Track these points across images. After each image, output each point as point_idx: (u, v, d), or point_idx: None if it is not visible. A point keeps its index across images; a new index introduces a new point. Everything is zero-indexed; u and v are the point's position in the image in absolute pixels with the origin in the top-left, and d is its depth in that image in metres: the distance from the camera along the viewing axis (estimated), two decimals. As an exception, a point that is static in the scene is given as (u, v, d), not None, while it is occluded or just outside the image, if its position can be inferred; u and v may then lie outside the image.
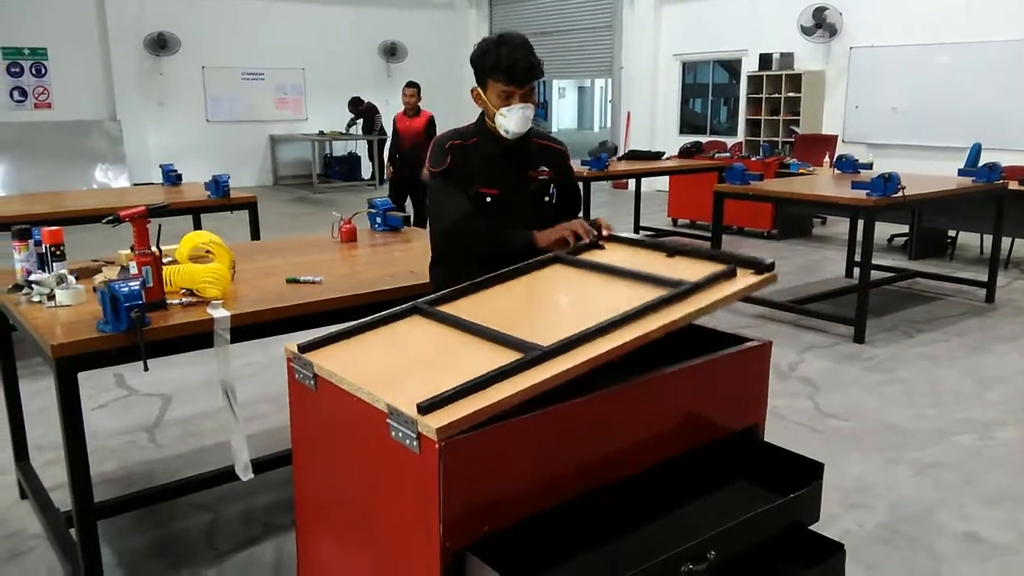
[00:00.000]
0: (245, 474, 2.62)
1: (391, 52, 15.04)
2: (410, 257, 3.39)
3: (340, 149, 14.94)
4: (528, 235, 2.36)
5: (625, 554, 1.68)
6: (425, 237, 3.75)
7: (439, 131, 3.30)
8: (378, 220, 3.83)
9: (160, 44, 12.85)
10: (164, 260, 2.59)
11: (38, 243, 2.80)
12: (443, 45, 15.54)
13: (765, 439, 2.11)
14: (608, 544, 1.73)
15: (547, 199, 2.57)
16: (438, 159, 2.47)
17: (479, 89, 2.46)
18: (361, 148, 14.77)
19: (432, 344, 1.82)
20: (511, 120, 2.41)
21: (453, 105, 16.22)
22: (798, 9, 11.07)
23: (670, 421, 1.87)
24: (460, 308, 1.95)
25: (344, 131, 14.22)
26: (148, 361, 2.26)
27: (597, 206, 7.50)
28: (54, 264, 2.74)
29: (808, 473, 1.93)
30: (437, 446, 1.42)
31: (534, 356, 1.61)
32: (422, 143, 7.35)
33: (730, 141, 11.92)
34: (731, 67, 13.10)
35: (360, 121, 14.07)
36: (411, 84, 8.18)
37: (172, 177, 6.04)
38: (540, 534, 1.62)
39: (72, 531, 2.67)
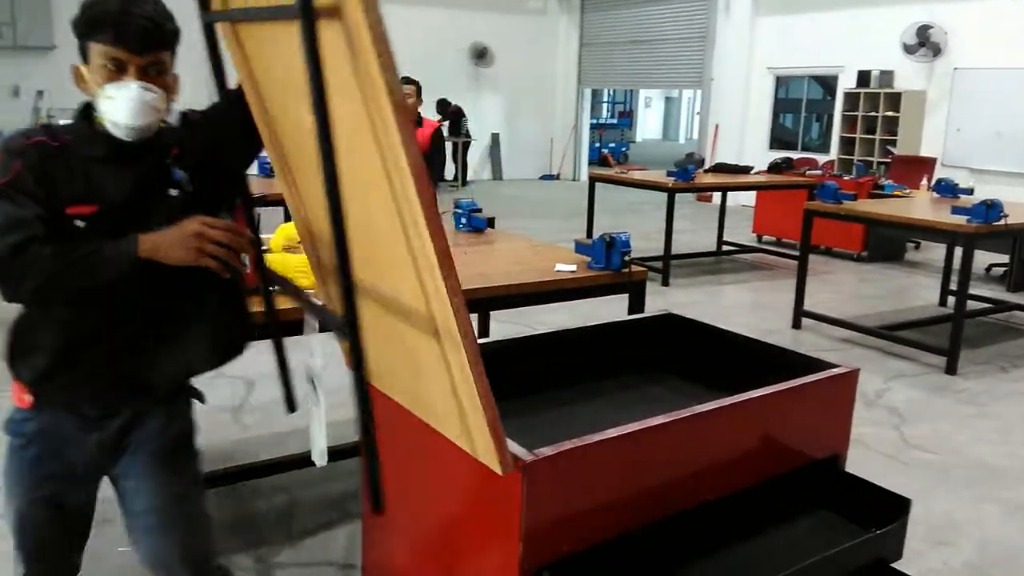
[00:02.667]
0: (321, 460, 2.67)
1: (480, 55, 15.19)
2: (492, 259, 3.43)
3: (425, 149, 15.18)
4: (130, 242, 1.49)
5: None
6: (509, 239, 3.79)
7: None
8: (463, 221, 3.88)
9: (261, 40, 13.31)
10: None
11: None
12: (532, 51, 15.63)
13: (847, 469, 2.05)
14: (684, 571, 1.70)
15: (175, 193, 1.65)
16: (3, 167, 1.52)
17: (81, 66, 1.59)
18: (446, 150, 14.98)
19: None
20: (120, 106, 1.52)
21: (540, 114, 16.44)
22: (901, 26, 10.70)
23: (752, 447, 1.84)
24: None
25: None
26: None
27: (680, 218, 7.39)
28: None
29: (893, 507, 1.86)
30: (521, 464, 1.43)
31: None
32: (427, 160, 6.58)
33: (822, 158, 11.60)
34: (826, 83, 12.76)
35: (447, 123, 14.27)
36: (406, 80, 5.37)
37: (267, 169, 6.25)
38: (617, 558, 1.61)
39: (159, 503, 2.80)
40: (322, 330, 2.57)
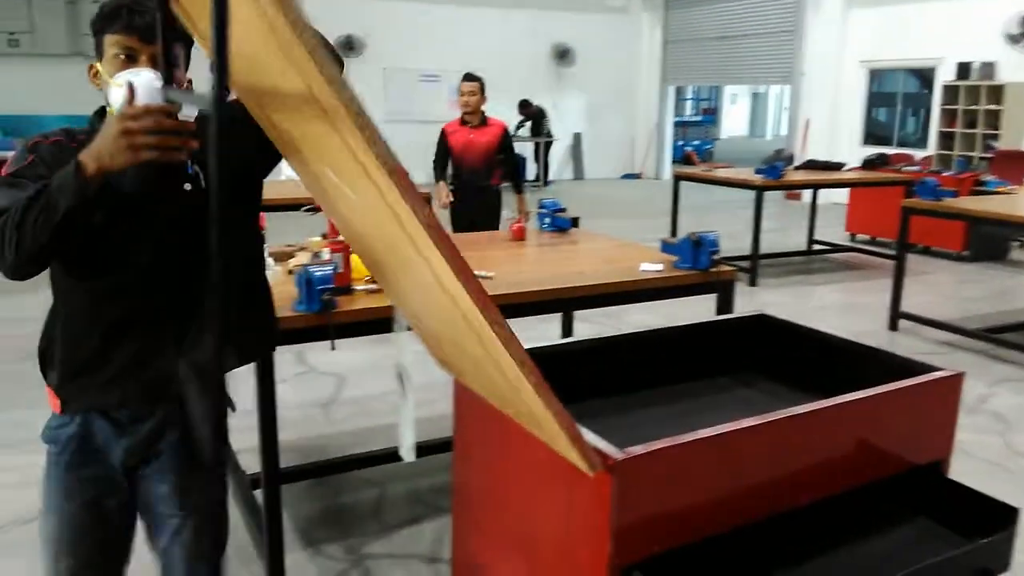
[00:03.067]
0: (409, 455, 2.73)
1: (562, 55, 15.18)
2: (576, 258, 3.44)
3: (507, 150, 15.27)
4: (72, 163, 1.41)
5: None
6: (593, 239, 3.78)
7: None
8: (547, 220, 3.90)
9: (348, 46, 13.65)
10: (351, 248, 2.77)
11: (243, 227, 3.06)
12: (614, 50, 15.53)
13: (949, 476, 1.97)
14: (779, 574, 1.67)
15: (189, 187, 1.64)
16: (16, 160, 1.57)
17: (96, 63, 1.60)
18: (527, 150, 15.04)
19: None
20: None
21: (623, 113, 16.32)
22: (1004, 16, 10.17)
23: (849, 451, 1.79)
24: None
25: (512, 133, 14.51)
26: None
27: (767, 217, 7.22)
28: (256, 247, 3.00)
29: (1000, 517, 1.78)
30: (612, 462, 1.43)
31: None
32: (490, 164, 5.33)
33: (918, 154, 11.13)
34: (923, 76, 12.23)
35: (528, 123, 14.32)
36: (470, 77, 5.29)
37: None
38: (707, 559, 1.60)
39: (256, 492, 2.91)
40: (411, 328, 2.64)
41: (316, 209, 2.81)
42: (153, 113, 1.36)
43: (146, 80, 1.42)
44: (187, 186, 1.61)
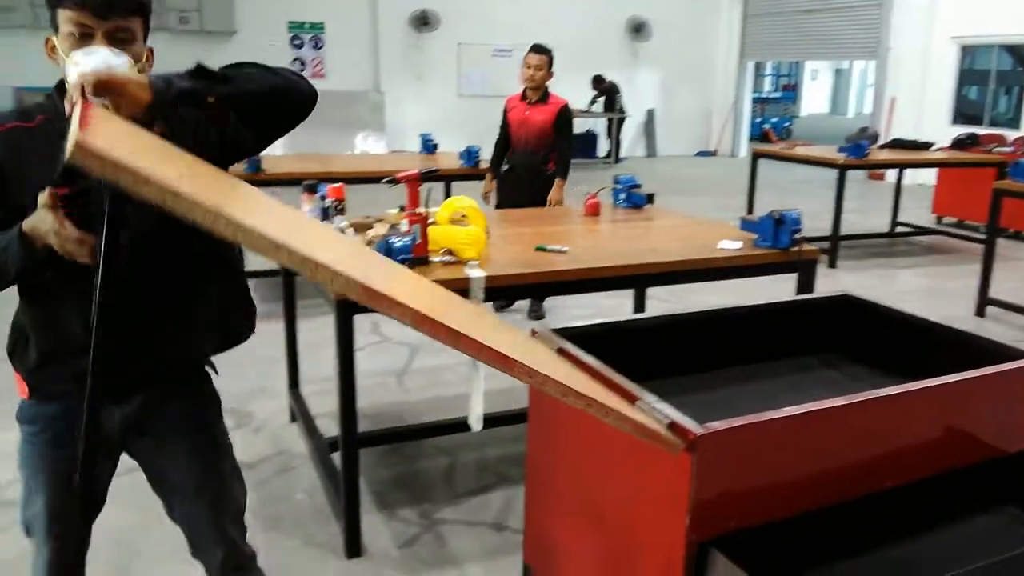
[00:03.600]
0: (477, 425, 2.78)
1: (637, 29, 14.92)
2: (652, 235, 3.41)
3: (578, 126, 15.07)
4: (15, 236, 1.42)
5: (879, 573, 1.59)
6: (669, 216, 3.73)
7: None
8: (622, 196, 3.87)
9: (422, 21, 13.70)
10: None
11: (323, 197, 3.14)
12: (692, 24, 15.19)
13: (1042, 466, 1.90)
14: (858, 558, 1.64)
15: None
16: None
17: (52, 38, 1.51)
18: (599, 126, 14.88)
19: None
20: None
21: (699, 89, 15.96)
22: (1116, -16, 9.55)
23: (936, 436, 1.74)
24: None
25: (585, 109, 14.38)
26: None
27: (848, 197, 6.98)
28: (336, 217, 3.07)
29: (1097, 509, 1.71)
30: (693, 437, 1.43)
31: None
32: (546, 145, 4.88)
33: (1011, 134, 10.58)
34: (1018, 52, 11.61)
35: (601, 99, 14.16)
36: (538, 49, 4.84)
37: (430, 146, 6.47)
38: (787, 538, 1.58)
39: (334, 455, 3.01)
40: (487, 300, 2.67)
41: (396, 181, 2.85)
42: (74, 241, 1.35)
43: (102, 59, 1.37)
44: None
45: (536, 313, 4.98)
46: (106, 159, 0.96)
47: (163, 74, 1.42)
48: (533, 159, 4.87)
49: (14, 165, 1.49)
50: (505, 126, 4.98)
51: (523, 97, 4.92)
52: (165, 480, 1.78)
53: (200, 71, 1.47)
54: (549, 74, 4.82)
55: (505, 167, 5.00)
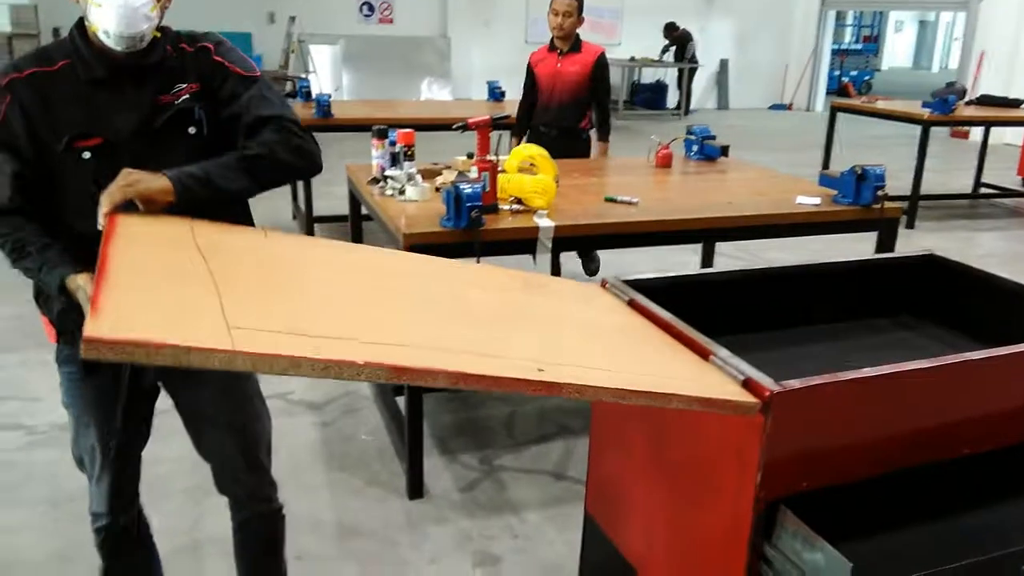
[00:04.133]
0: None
1: (714, -24, 14.40)
2: (725, 188, 3.32)
3: (648, 76, 14.78)
4: (55, 278, 1.46)
5: (951, 541, 1.54)
6: (744, 169, 3.63)
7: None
8: (694, 148, 3.77)
9: (492, -33, 13.46)
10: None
11: (393, 143, 3.13)
12: (772, -31, 14.57)
13: None
14: (933, 525, 1.59)
15: (193, 131, 1.60)
16: None
17: None
18: (669, 76, 14.50)
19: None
20: (109, 14, 1.44)
21: (775, 39, 15.35)
22: None
23: (1021, 403, 1.66)
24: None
25: (656, 58, 14.01)
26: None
27: (929, 156, 6.67)
28: (405, 163, 3.06)
29: None
30: (768, 394, 1.39)
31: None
32: (582, 102, 4.23)
33: (1114, 92, 9.94)
34: None
35: (673, 48, 13.77)
36: None
37: (497, 94, 6.39)
38: (858, 500, 1.54)
39: (398, 399, 3.05)
40: (555, 250, 2.65)
41: (467, 127, 2.83)
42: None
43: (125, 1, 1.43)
44: (191, 130, 1.59)
45: (591, 266, 4.90)
46: (116, 343, 0.99)
47: (183, 173, 1.49)
48: (566, 118, 4.21)
49: (40, 111, 1.48)
50: (532, 84, 4.30)
51: (551, 48, 4.26)
52: (198, 410, 1.76)
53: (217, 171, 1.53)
54: (580, 20, 4.16)
55: (541, 128, 4.30)
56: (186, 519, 2.52)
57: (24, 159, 1.48)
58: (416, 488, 2.69)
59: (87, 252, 1.49)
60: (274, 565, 1.96)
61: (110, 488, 1.70)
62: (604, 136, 4.26)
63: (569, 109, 4.19)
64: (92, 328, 0.99)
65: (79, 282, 1.42)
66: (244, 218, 1.72)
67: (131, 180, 1.44)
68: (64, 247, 1.50)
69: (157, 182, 1.46)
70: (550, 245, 2.58)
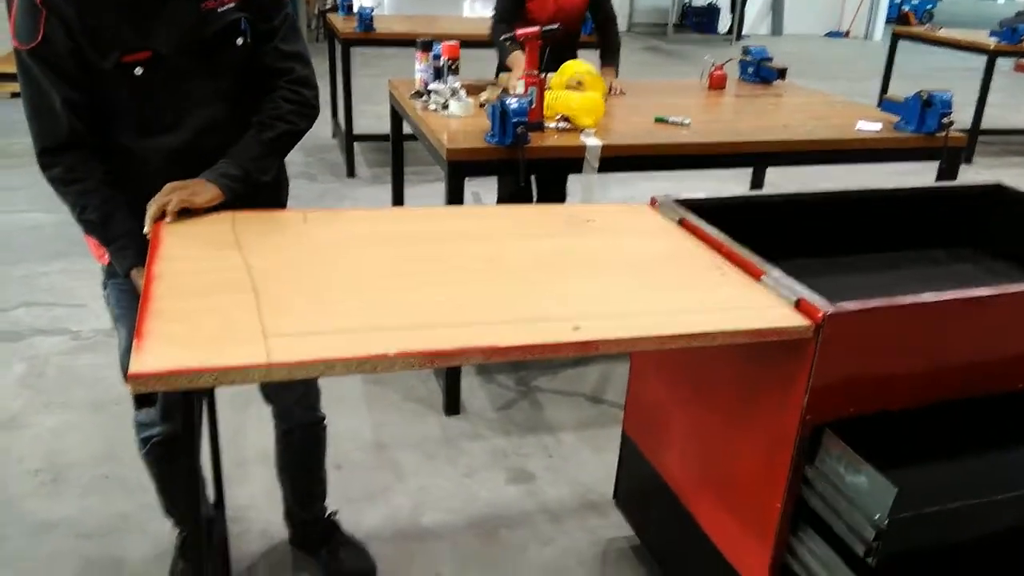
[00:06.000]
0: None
1: None
2: (781, 112, 3.19)
3: (700, -1, 14.25)
4: (126, 260, 1.53)
5: (998, 474, 1.49)
6: (801, 93, 3.48)
7: None
8: (750, 70, 3.62)
9: None
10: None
11: (437, 57, 3.05)
12: None
13: None
14: (981, 458, 1.55)
15: (240, 42, 1.56)
16: (26, 27, 1.41)
17: None
18: (722, -1, 13.97)
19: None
20: None
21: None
22: None
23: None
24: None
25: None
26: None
27: (995, 90, 6.35)
28: (449, 77, 2.98)
29: None
30: (821, 315, 1.34)
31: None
32: (580, 21, 3.54)
33: None
34: None
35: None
36: None
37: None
38: (907, 429, 1.50)
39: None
40: (601, 170, 2.58)
41: (515, 39, 2.73)
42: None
43: None
44: (239, 41, 1.55)
45: None
46: (160, 375, 1.07)
47: (228, 176, 1.55)
48: (563, 40, 3.13)
49: (82, 25, 1.40)
50: (513, 6, 3.31)
51: None
52: None
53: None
54: None
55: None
56: (228, 429, 2.56)
57: (72, 81, 1.43)
58: (453, 405, 2.71)
59: (139, 170, 1.54)
60: (316, 474, 2.00)
61: (160, 399, 1.72)
62: (611, 58, 3.48)
63: (567, 31, 3.28)
64: (137, 365, 1.07)
65: (139, 280, 1.45)
66: (276, 190, 1.76)
67: (183, 196, 1.49)
68: (125, 213, 1.51)
69: (207, 194, 1.52)
70: (597, 165, 2.51)
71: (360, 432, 2.60)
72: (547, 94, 2.67)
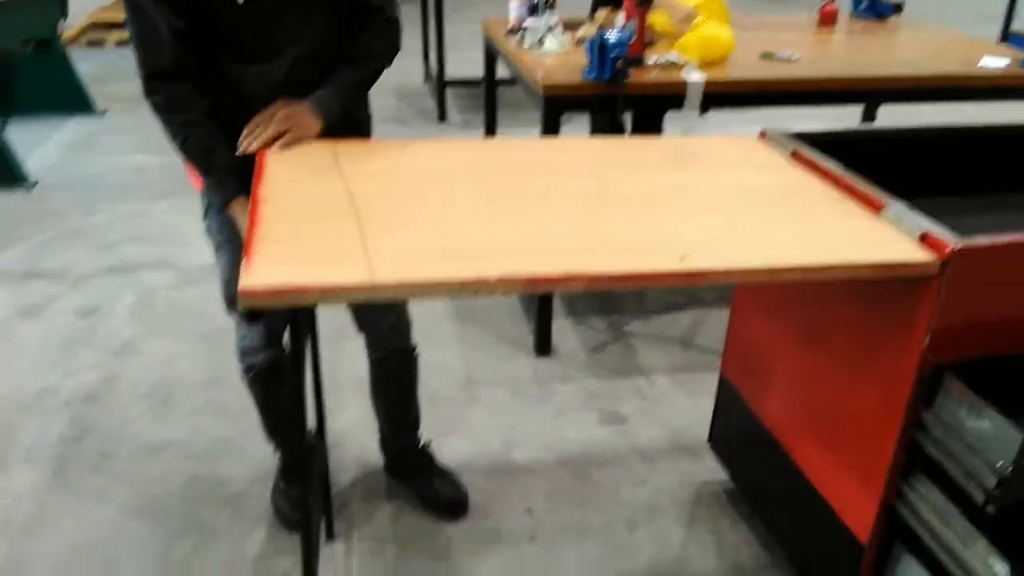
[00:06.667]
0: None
1: None
2: (897, 49, 3.00)
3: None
4: (228, 192, 1.56)
5: None
6: (919, 29, 3.26)
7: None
8: (863, 4, 3.41)
9: None
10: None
11: (532, -9, 2.97)
12: None
13: None
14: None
15: None
16: None
17: None
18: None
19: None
20: None
21: None
22: None
23: None
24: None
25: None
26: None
27: None
28: (545, 12, 2.91)
29: None
30: (949, 250, 1.25)
31: None
32: None
33: None
34: None
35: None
36: None
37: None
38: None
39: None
40: (704, 110, 2.48)
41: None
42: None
43: None
44: None
45: None
46: (269, 293, 1.09)
47: (329, 110, 1.60)
48: None
49: None
50: None
51: None
52: None
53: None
54: None
55: None
56: (323, 360, 2.64)
57: (176, 8, 1.45)
58: (544, 346, 2.70)
59: (240, 100, 1.56)
60: (409, 402, 2.03)
61: (264, 326, 1.76)
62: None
63: None
64: (247, 281, 1.09)
65: (237, 211, 1.54)
66: (364, 124, 1.80)
67: (287, 126, 1.55)
68: (225, 148, 1.54)
69: (313, 130, 1.58)
70: (699, 101, 2.41)
71: (451, 369, 2.63)
72: (652, 17, 2.56)
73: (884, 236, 1.34)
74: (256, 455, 2.18)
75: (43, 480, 2.11)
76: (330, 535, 1.95)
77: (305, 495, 1.51)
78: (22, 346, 2.71)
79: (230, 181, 1.55)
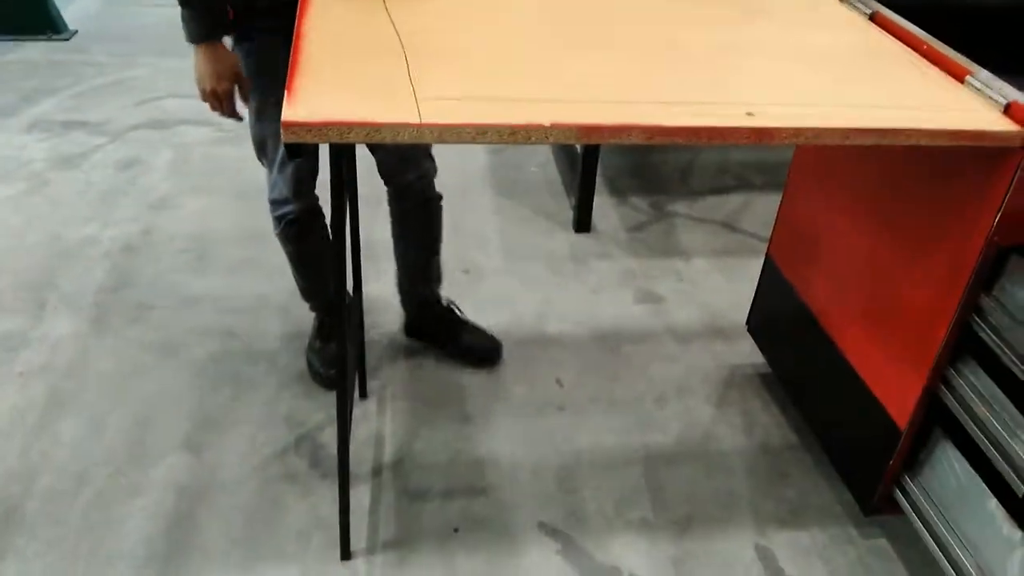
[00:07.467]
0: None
1: None
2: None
3: None
4: (197, 32, 1.54)
5: None
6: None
7: None
8: None
9: None
10: None
11: None
12: None
13: None
14: None
15: None
16: None
17: None
18: None
19: None
20: None
21: None
22: None
23: None
24: None
25: None
26: None
27: None
28: None
29: None
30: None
31: None
32: None
33: None
34: None
35: None
36: None
37: None
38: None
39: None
40: None
41: None
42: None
43: None
44: None
45: None
46: (312, 125, 1.03)
47: None
48: None
49: None
50: None
51: None
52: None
53: None
54: None
55: None
56: (361, 224, 2.61)
57: None
58: (583, 223, 2.64)
59: None
60: (433, 252, 1.99)
61: (294, 173, 1.72)
62: None
63: None
64: (290, 113, 1.04)
65: (206, 52, 1.54)
66: None
67: None
68: None
69: None
70: None
71: (488, 240, 2.59)
72: None
73: (966, 104, 1.24)
74: (294, 313, 2.19)
75: (83, 327, 2.14)
76: (363, 394, 1.97)
77: (342, 352, 1.50)
78: (62, 194, 2.71)
79: (208, 18, 1.49)
